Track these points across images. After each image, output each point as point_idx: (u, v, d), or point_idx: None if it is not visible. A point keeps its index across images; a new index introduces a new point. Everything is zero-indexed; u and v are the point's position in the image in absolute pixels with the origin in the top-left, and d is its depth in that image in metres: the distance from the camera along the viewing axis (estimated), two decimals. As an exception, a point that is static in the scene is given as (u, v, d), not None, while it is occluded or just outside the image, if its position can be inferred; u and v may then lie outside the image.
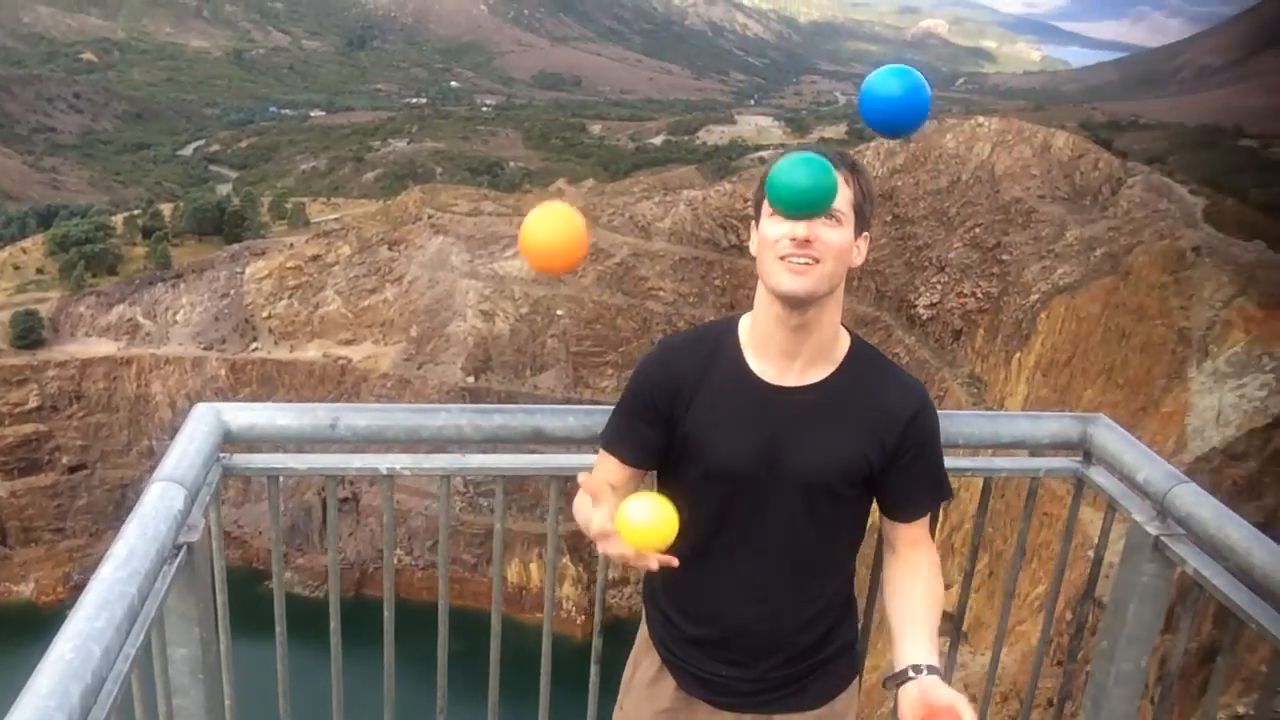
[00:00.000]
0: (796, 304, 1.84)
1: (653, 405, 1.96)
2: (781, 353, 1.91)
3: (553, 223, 1.72)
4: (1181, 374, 34.54)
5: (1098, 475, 2.33)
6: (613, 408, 2.13)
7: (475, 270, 56.02)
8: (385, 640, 2.31)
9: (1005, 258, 46.25)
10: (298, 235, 63.72)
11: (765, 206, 1.86)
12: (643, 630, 2.18)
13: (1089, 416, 2.34)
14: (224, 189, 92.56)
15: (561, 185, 71.92)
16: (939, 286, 48.13)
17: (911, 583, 1.94)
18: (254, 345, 55.00)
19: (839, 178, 1.82)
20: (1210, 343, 34.50)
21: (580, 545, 47.69)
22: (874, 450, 1.89)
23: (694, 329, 2.09)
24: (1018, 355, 42.02)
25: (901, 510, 1.97)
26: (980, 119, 56.35)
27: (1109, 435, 2.29)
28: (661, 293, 54.66)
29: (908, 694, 1.75)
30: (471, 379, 53.66)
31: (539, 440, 2.18)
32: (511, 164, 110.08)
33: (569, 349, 54.31)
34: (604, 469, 2.03)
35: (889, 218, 50.26)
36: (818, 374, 1.92)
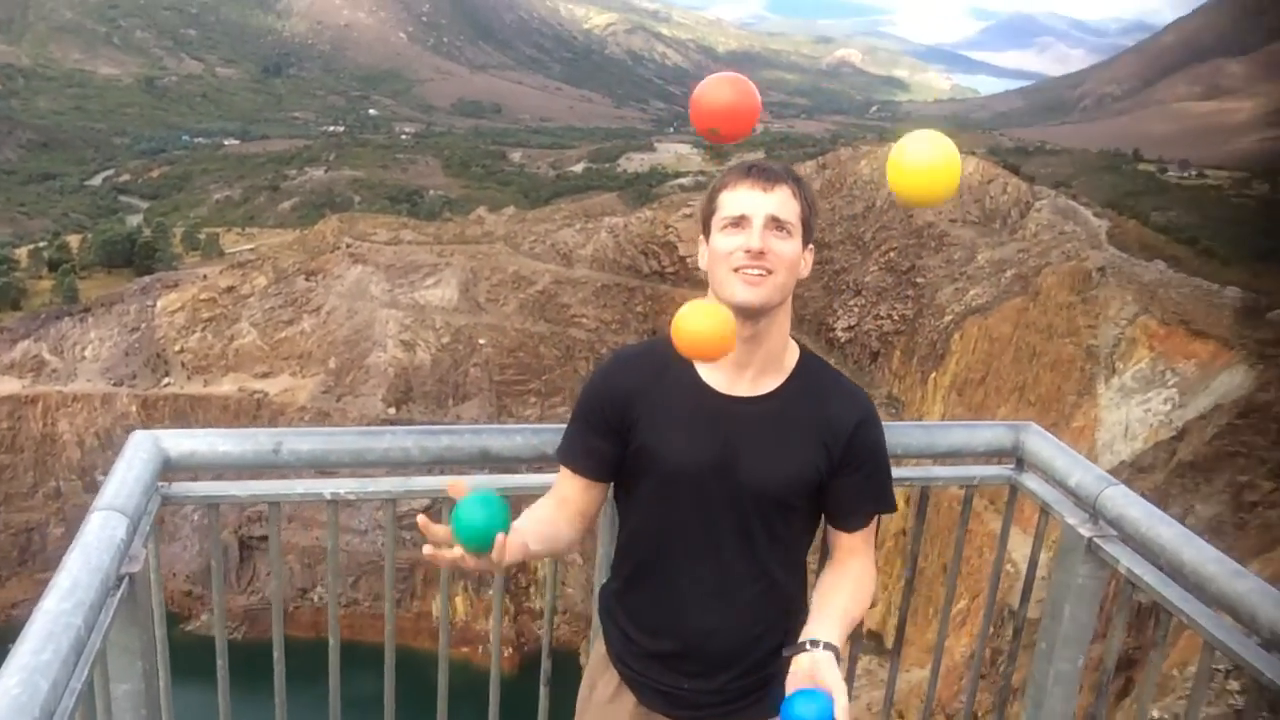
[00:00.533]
0: (750, 314, 1.87)
1: (604, 417, 1.97)
2: (733, 363, 1.93)
3: (706, 318, 1.78)
4: (1090, 390, 35.67)
5: (1030, 481, 2.40)
6: (558, 427, 2.14)
7: (395, 300, 55.41)
8: (331, 676, 2.27)
9: (919, 280, 47.28)
10: (211, 266, 62.42)
11: (715, 220, 1.90)
12: (599, 648, 2.17)
13: (1020, 425, 2.42)
14: (134, 220, 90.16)
15: (482, 213, 71.60)
16: (856, 309, 49.00)
17: (838, 579, 1.97)
18: (166, 380, 53.55)
19: (787, 191, 1.87)
20: (1116, 359, 35.69)
21: (507, 578, 47.19)
22: (822, 459, 1.93)
23: (645, 341, 2.12)
24: (934, 375, 42.90)
25: (843, 519, 2.00)
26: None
27: (1040, 443, 2.37)
28: (584, 320, 54.68)
29: (800, 663, 1.78)
30: (393, 410, 52.92)
31: (486, 461, 2.17)
32: (431, 192, 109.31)
33: (492, 378, 53.94)
34: (561, 485, 2.03)
35: (807, 242, 51.11)
36: (768, 384, 1.95)
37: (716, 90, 1.69)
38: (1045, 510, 2.34)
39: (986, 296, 42.35)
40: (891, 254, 49.97)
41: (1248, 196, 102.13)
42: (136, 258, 64.12)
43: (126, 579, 1.71)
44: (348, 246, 57.90)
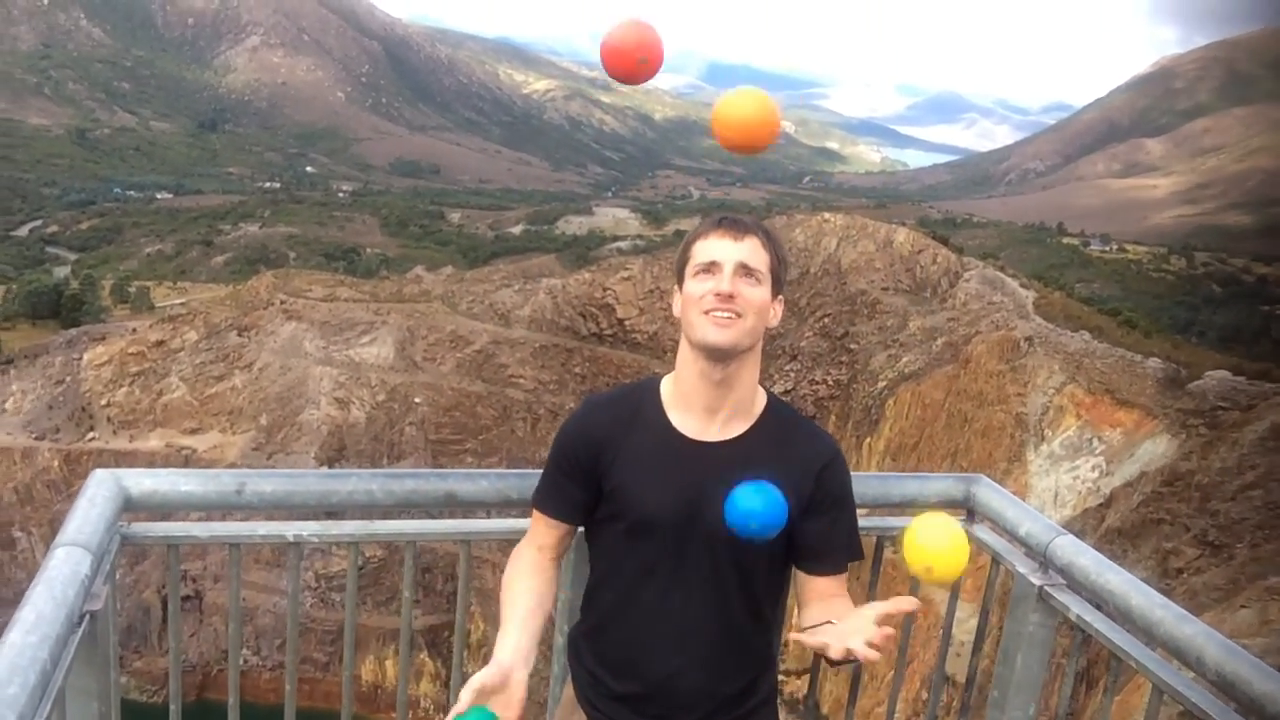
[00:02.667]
0: (719, 356, 1.93)
1: (576, 463, 2.01)
2: (704, 408, 1.98)
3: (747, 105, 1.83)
4: (1020, 457, 36.32)
5: (981, 532, 2.47)
6: (523, 472, 2.17)
7: (330, 357, 54.72)
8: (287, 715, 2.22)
9: (853, 346, 47.99)
10: (141, 320, 61.19)
11: (688, 268, 1.97)
12: (568, 690, 2.18)
13: (971, 477, 2.49)
14: (62, 271, 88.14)
15: (420, 272, 71.42)
16: (792, 374, 49.50)
17: (830, 605, 1.99)
18: (91, 435, 52.06)
19: (757, 241, 1.95)
20: (1045, 427, 36.44)
21: (438, 640, 46.23)
22: (791, 502, 1.96)
23: (617, 388, 2.17)
24: (868, 440, 43.36)
25: (814, 562, 2.02)
26: (827, 215, 58.93)
27: (990, 494, 2.43)
28: (522, 380, 54.49)
29: (835, 628, 1.80)
30: (325, 468, 52.04)
31: (451, 504, 2.17)
32: (369, 250, 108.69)
33: (428, 437, 53.34)
34: (538, 532, 2.07)
35: (744, 307, 51.56)
36: (737, 428, 2.00)
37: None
38: (996, 560, 2.40)
39: (918, 363, 43.09)
40: (826, 320, 50.75)
41: (1166, 271, 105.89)
42: (63, 310, 62.67)
43: (88, 617, 1.69)
44: (282, 302, 57.19)
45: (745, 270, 1.92)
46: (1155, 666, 1.93)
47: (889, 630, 1.71)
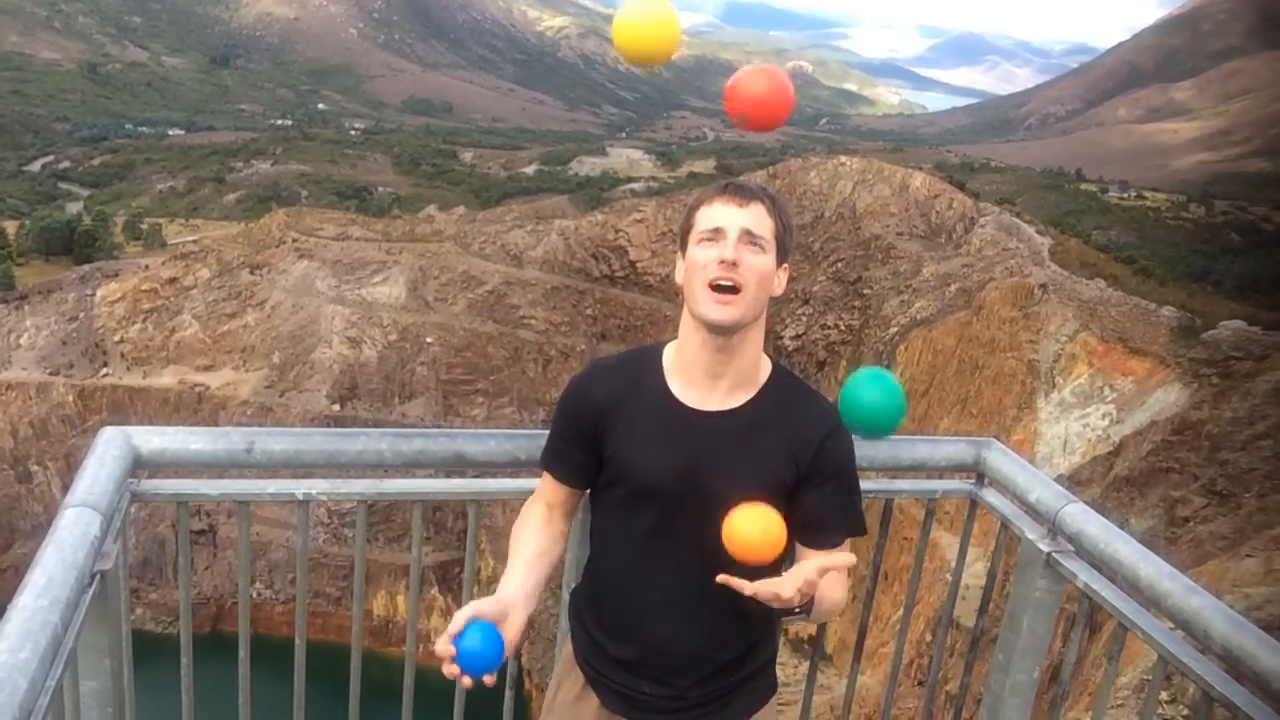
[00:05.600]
0: (722, 331, 1.91)
1: (578, 429, 2.02)
2: (706, 376, 1.97)
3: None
4: (1031, 404, 36.31)
5: (990, 496, 2.46)
6: (531, 433, 2.17)
7: (342, 296, 54.79)
8: (296, 674, 2.25)
9: (866, 291, 47.79)
10: (153, 257, 61.25)
11: (692, 235, 1.94)
12: (567, 650, 2.21)
13: (982, 441, 2.48)
14: (74, 208, 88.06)
15: (432, 211, 71.09)
16: (804, 318, 49.39)
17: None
18: (104, 371, 52.43)
19: (762, 208, 1.91)
20: (1057, 374, 36.38)
21: (449, 576, 46.85)
22: (789, 472, 1.96)
23: (620, 354, 2.15)
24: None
25: (813, 535, 2.01)
26: (843, 158, 58.32)
27: (1001, 459, 2.42)
28: (533, 321, 54.52)
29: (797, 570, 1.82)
30: (337, 407, 52.32)
31: (460, 464, 2.18)
32: (380, 189, 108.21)
33: (439, 377, 53.55)
34: (545, 491, 2.09)
35: (757, 251, 51.23)
36: (739, 398, 1.98)
37: (752, 81, 1.83)
38: (1005, 525, 2.40)
39: (931, 309, 42.91)
40: (839, 264, 50.48)
41: (1184, 219, 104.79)
42: (76, 246, 62.78)
43: (98, 576, 1.70)
44: (294, 241, 57.15)
45: (750, 237, 1.90)
46: (1162, 637, 1.94)
47: (812, 578, 1.75)
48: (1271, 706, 1.70)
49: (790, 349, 48.32)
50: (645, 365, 2.04)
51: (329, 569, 46.39)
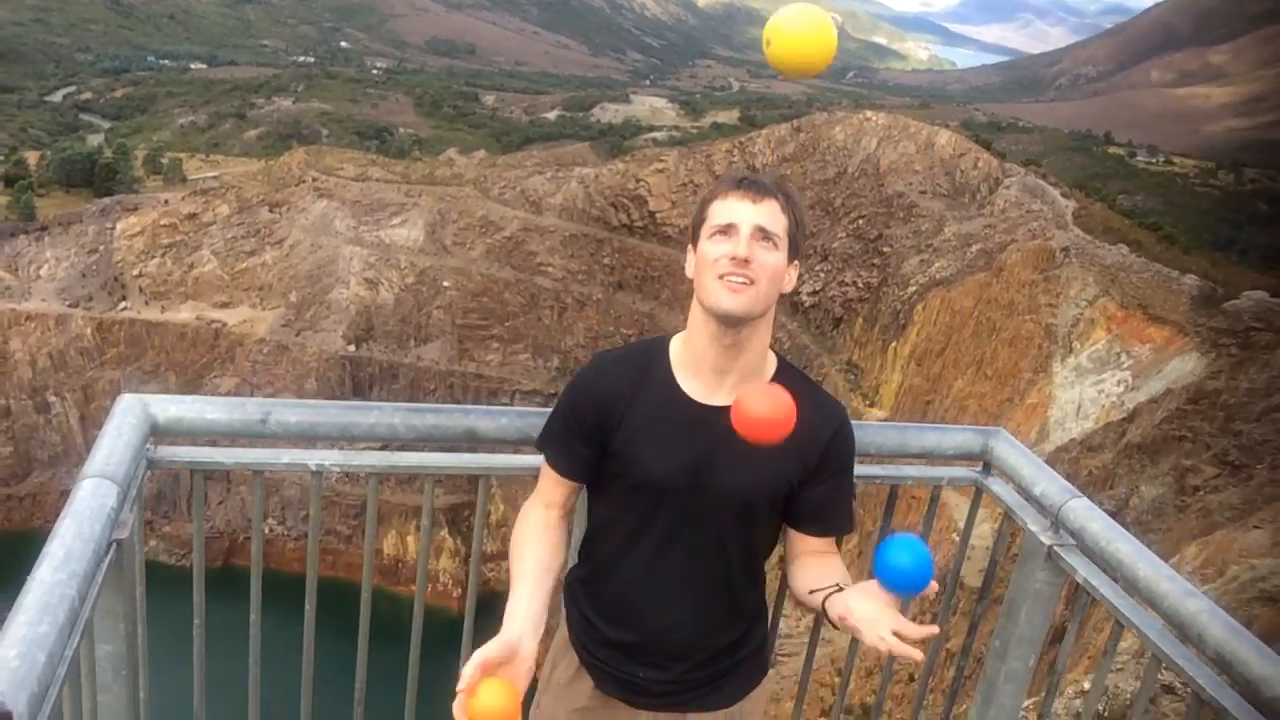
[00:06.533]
0: (732, 322, 1.91)
1: (584, 421, 2.02)
2: (714, 370, 1.98)
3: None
4: (1046, 368, 36.17)
5: (995, 485, 2.48)
6: (543, 410, 2.18)
7: (360, 237, 54.79)
8: (305, 643, 2.30)
9: (886, 249, 47.46)
10: (173, 192, 61.32)
11: (704, 229, 1.94)
12: (562, 631, 2.23)
13: (990, 431, 2.49)
14: (95, 140, 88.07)
15: (452, 154, 70.77)
16: (822, 275, 49.13)
17: (824, 564, 2.02)
18: (123, 304, 52.77)
19: (776, 204, 1.91)
20: (1074, 339, 36.19)
21: (458, 518, 47.34)
22: (795, 469, 1.99)
23: (626, 347, 2.15)
24: (894, 345, 43.24)
25: (810, 525, 2.05)
26: (869, 113, 57.61)
27: (1008, 449, 2.44)
28: (550, 268, 54.43)
29: (842, 595, 1.84)
30: (353, 347, 52.58)
31: (472, 440, 2.20)
32: (401, 130, 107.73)
33: (454, 321, 53.66)
34: (547, 489, 2.10)
35: (778, 205, 50.71)
36: None
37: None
38: (1009, 515, 2.42)
39: (951, 270, 42.64)
40: (860, 221, 50.10)
41: (1212, 186, 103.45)
42: (96, 178, 62.81)
43: (114, 545, 1.73)
44: (314, 180, 57.06)
45: (763, 234, 1.89)
46: (1157, 636, 1.96)
47: (912, 651, 1.72)
48: (1261, 712, 1.73)
49: (807, 305, 48.15)
50: (652, 358, 2.04)
51: (340, 507, 46.92)
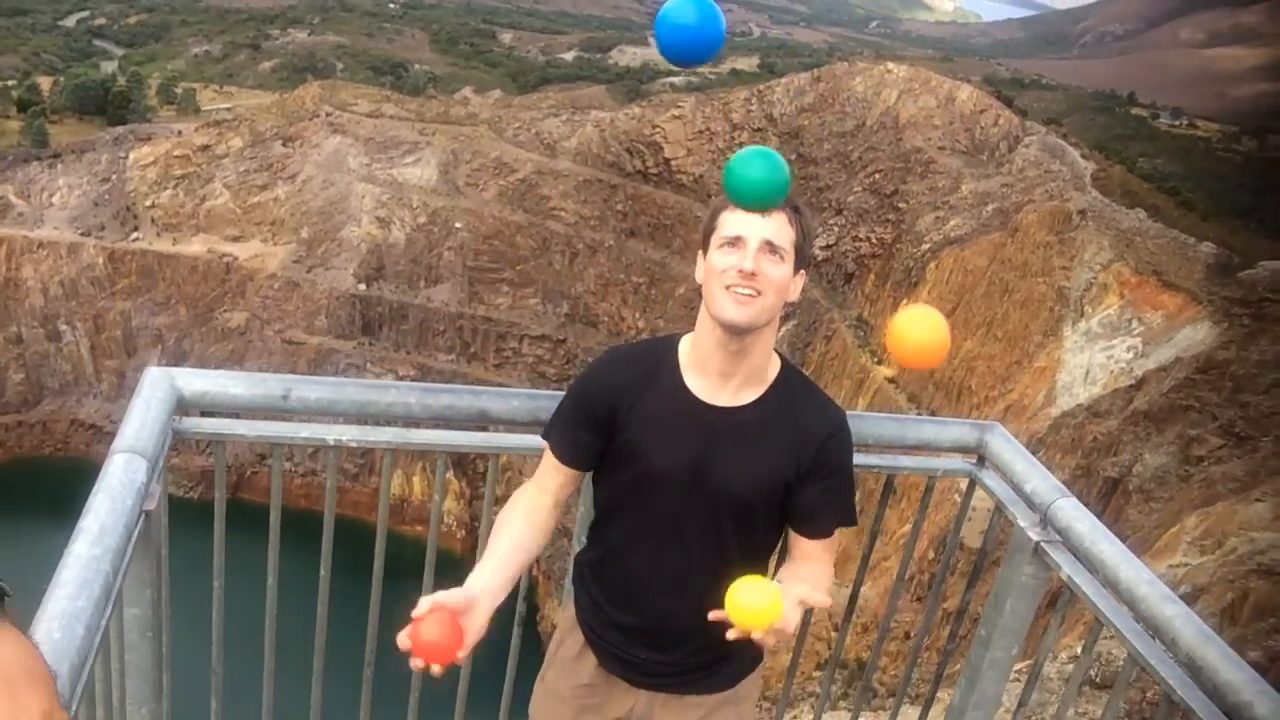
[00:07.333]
0: (737, 331, 1.99)
1: (593, 414, 2.10)
2: (719, 373, 2.06)
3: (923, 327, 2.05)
4: (1057, 332, 36.07)
5: (989, 478, 2.55)
6: (554, 393, 2.26)
7: (373, 175, 54.61)
8: (320, 597, 2.40)
9: (901, 205, 47.10)
10: (187, 122, 61.07)
11: (714, 239, 2.01)
12: (569, 610, 2.35)
13: (986, 425, 2.56)
14: (109, 67, 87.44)
15: (468, 93, 70.28)
16: (836, 229, 48.83)
17: (798, 570, 2.11)
18: (135, 235, 52.83)
19: (784, 218, 1.97)
20: (1086, 304, 36.04)
21: (463, 459, 47.73)
22: (791, 467, 2.07)
23: (637, 344, 2.25)
24: (905, 302, 43.06)
25: (806, 524, 2.13)
26: (890, 65, 56.86)
27: (1003, 445, 2.51)
28: (563, 213, 54.22)
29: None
30: (363, 286, 52.66)
31: (484, 420, 2.28)
32: (417, 66, 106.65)
33: (465, 263, 53.62)
34: (546, 475, 2.18)
35: (793, 156, 50.40)
36: (749, 395, 2.08)
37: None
38: (999, 508, 2.50)
39: (966, 228, 42.35)
40: (877, 176, 49.65)
41: (1234, 151, 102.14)
42: (110, 106, 62.57)
43: (144, 515, 1.83)
44: (328, 115, 56.74)
45: (770, 247, 1.96)
46: (1134, 637, 2.05)
47: (768, 640, 1.81)
48: (1227, 716, 1.82)
49: (819, 259, 47.91)
50: (662, 356, 2.12)
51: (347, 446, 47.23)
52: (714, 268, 1.99)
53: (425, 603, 1.79)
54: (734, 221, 1.98)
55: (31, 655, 0.78)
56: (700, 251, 2.06)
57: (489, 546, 2.07)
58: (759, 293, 1.95)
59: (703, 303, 2.03)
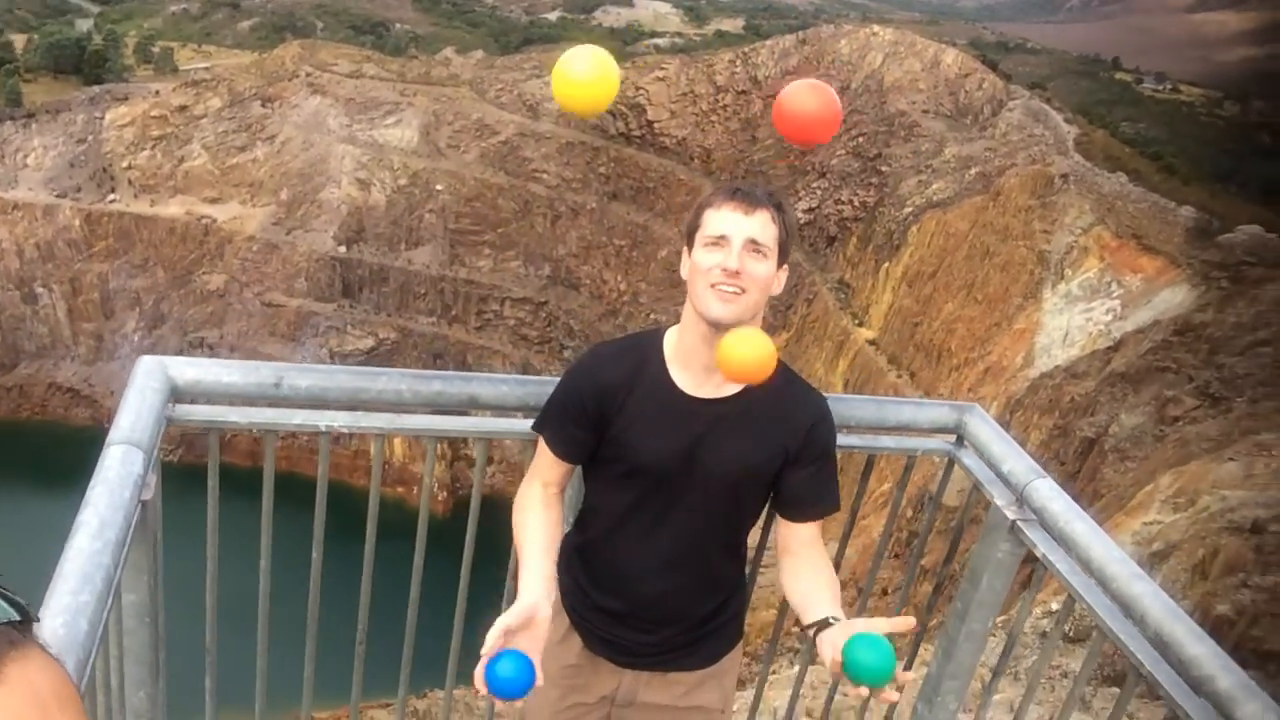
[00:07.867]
0: (722, 328, 2.04)
1: (583, 409, 2.16)
2: (704, 367, 2.12)
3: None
4: (1036, 294, 36.30)
5: (967, 458, 2.62)
6: (542, 379, 2.32)
7: (353, 136, 54.07)
8: (311, 578, 2.45)
9: (884, 169, 47.07)
10: (164, 82, 60.21)
11: (698, 237, 2.06)
12: (555, 593, 2.40)
13: (965, 406, 2.62)
14: (84, 24, 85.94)
15: (449, 54, 69.42)
16: (819, 192, 48.79)
17: (818, 572, 2.17)
18: (111, 196, 52.23)
19: (767, 215, 2.01)
20: (1066, 267, 36.26)
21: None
22: (777, 457, 2.14)
23: (622, 339, 2.30)
24: (886, 265, 43.21)
25: (796, 510, 2.20)
26: (875, 28, 56.58)
27: (981, 425, 2.57)
28: (545, 176, 53.90)
29: (832, 633, 1.91)
30: (343, 249, 52.32)
31: (474, 406, 2.33)
32: (398, 25, 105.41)
33: (447, 225, 53.30)
34: (542, 469, 2.24)
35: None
36: (733, 387, 2.14)
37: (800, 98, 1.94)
38: (977, 487, 2.56)
39: (948, 192, 42.43)
40: (860, 139, 49.54)
41: (1217, 116, 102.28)
42: (85, 65, 61.66)
43: (141, 505, 1.86)
44: (307, 75, 56.03)
45: (754, 245, 2.01)
46: (1105, 613, 2.12)
47: (891, 694, 1.78)
48: (1192, 689, 1.91)
49: (801, 222, 47.87)
50: (648, 351, 2.18)
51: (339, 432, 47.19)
52: (699, 265, 2.04)
53: (495, 635, 1.79)
54: (718, 220, 2.03)
55: (61, 678, 0.80)
56: (685, 248, 2.11)
57: (524, 548, 2.12)
58: (743, 290, 2.01)
59: (688, 299, 2.08)
